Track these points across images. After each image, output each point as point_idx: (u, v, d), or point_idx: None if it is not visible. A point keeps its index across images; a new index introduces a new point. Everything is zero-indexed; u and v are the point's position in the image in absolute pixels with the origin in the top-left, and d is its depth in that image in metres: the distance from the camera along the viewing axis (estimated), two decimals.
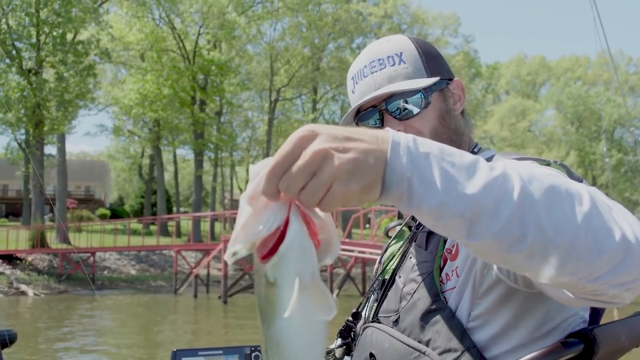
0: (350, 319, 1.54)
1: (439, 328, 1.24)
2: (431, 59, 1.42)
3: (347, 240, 25.31)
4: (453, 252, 1.28)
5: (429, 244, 1.34)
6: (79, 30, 35.61)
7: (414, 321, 1.28)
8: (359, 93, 1.42)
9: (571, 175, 1.22)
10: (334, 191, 0.77)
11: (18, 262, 30.19)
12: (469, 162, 0.81)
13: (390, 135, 0.80)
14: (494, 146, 56.35)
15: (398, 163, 0.78)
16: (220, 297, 23.81)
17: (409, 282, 1.34)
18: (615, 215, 0.86)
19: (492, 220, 0.79)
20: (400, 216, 1.61)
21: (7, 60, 33.87)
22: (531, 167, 1.02)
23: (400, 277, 1.39)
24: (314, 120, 54.58)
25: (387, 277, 1.46)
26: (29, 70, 33.85)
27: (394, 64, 1.39)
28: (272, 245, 0.76)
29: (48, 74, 35.61)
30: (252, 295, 24.93)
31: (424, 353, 1.23)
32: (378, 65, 1.40)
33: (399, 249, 1.47)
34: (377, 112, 1.40)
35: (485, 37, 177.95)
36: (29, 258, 30.89)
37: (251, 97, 55.92)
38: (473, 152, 1.43)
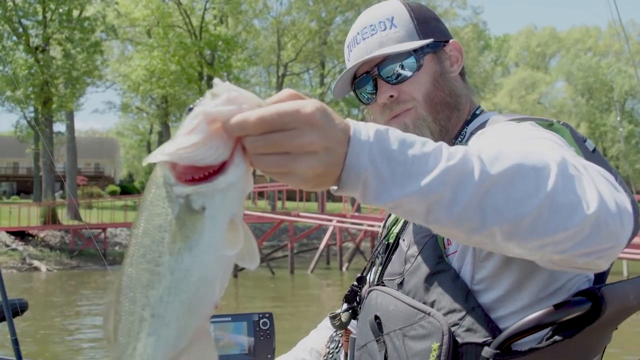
0: (356, 283, 1.54)
1: (443, 289, 1.23)
2: (424, 22, 1.41)
3: (356, 214, 25.38)
4: None
5: None
6: (85, 7, 35.47)
7: (419, 283, 1.28)
8: (353, 60, 1.43)
9: (574, 135, 1.22)
10: (287, 179, 0.76)
11: (30, 238, 30.53)
12: (429, 152, 0.80)
13: (350, 132, 0.78)
14: None
15: (355, 162, 0.77)
16: None
17: (413, 245, 1.33)
18: (586, 186, 0.84)
19: (450, 208, 0.79)
20: None
21: (14, 38, 33.86)
22: (504, 142, 1.01)
23: (404, 240, 1.39)
24: (322, 95, 54.41)
25: (391, 240, 1.45)
26: (36, 48, 33.84)
27: (385, 29, 1.38)
28: (208, 173, 0.72)
29: (55, 51, 35.60)
30: (262, 270, 25.11)
31: (428, 314, 1.22)
32: (370, 31, 1.40)
33: None
34: (371, 78, 1.40)
35: (494, 9, 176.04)
36: (41, 234, 31.23)
37: (258, 72, 55.76)
38: (474, 115, 1.43)
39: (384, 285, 1.38)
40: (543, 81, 62.98)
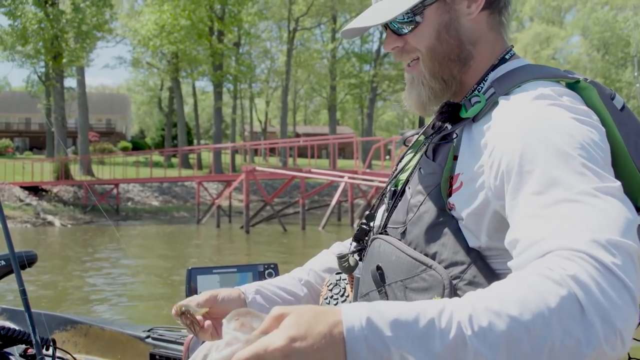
0: (364, 221, 1.50)
1: (445, 241, 1.21)
2: None
3: (367, 170, 25.37)
4: (454, 187, 1.24)
5: (436, 156, 1.31)
6: None
7: (420, 234, 1.25)
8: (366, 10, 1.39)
9: (602, 93, 1.17)
10: None
11: (44, 193, 30.86)
12: (423, 333, 0.82)
13: (343, 335, 0.82)
14: None
15: (356, 358, 0.82)
16: (242, 227, 24.15)
17: (416, 194, 1.30)
18: (589, 321, 0.82)
19: None
20: (421, 124, 1.56)
21: None
22: (498, 295, 0.90)
23: (409, 188, 1.36)
24: (334, 50, 53.80)
25: (398, 187, 1.43)
26: (46, 1, 33.57)
27: None
28: None
29: (64, 4, 35.30)
30: (274, 226, 25.30)
31: (430, 267, 1.21)
32: None
33: (411, 160, 1.44)
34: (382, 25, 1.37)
35: None
36: (54, 190, 31.54)
37: (269, 27, 55.13)
38: (503, 59, 1.35)
39: (387, 234, 1.36)
40: (558, 36, 61.85)
